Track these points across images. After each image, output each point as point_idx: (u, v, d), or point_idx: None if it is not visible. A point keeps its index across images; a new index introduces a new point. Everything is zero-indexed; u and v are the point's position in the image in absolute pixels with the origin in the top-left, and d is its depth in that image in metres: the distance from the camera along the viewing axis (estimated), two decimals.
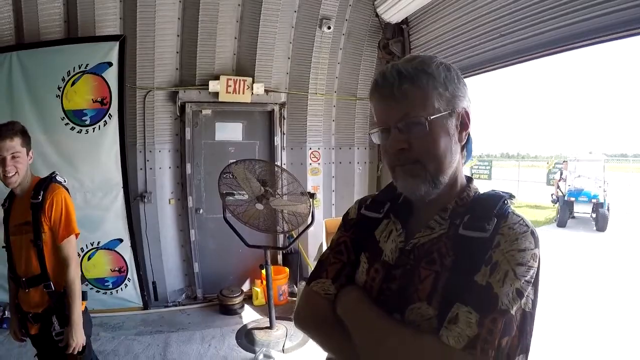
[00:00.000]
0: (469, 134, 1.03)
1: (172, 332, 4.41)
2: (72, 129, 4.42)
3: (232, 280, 5.25)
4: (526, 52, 3.46)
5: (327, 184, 5.68)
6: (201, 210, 5.21)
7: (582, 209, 11.90)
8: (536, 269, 0.91)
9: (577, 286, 6.29)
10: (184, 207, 5.19)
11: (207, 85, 4.94)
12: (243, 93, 4.99)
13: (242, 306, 4.97)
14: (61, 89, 4.36)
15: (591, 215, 11.77)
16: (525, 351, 0.91)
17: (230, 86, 4.95)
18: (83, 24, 4.47)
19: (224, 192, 4.09)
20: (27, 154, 2.28)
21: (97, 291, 4.67)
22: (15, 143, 2.20)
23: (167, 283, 5.17)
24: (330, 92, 5.52)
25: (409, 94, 0.94)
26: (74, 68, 4.35)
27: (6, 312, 4.28)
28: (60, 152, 4.33)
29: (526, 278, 0.88)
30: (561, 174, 13.38)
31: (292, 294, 5.25)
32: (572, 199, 12.02)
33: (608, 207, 11.82)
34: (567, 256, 8.45)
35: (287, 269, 5.26)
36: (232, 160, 4.18)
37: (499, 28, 3.69)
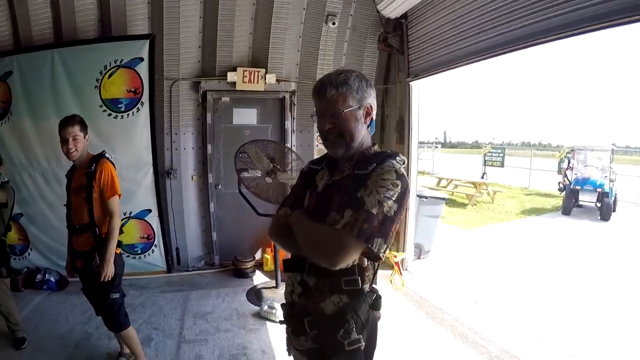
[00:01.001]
0: (372, 118, 1.73)
1: (192, 290, 5.13)
2: (109, 115, 5.11)
3: (246, 249, 5.91)
4: (517, 42, 3.77)
5: None
6: (220, 186, 5.88)
7: (587, 198, 12.07)
8: (399, 193, 1.55)
9: (566, 274, 6.50)
10: (204, 182, 5.86)
11: (226, 75, 5.57)
12: (257, 82, 5.62)
13: (254, 271, 5.69)
14: (99, 81, 5.04)
15: (596, 204, 11.83)
16: (384, 237, 1.53)
17: (246, 76, 5.59)
18: (116, 23, 5.13)
19: (239, 168, 4.77)
20: (84, 137, 3.06)
21: (128, 256, 5.38)
22: (75, 129, 2.98)
23: (188, 250, 5.89)
24: None
25: (334, 96, 1.64)
26: (110, 63, 5.03)
27: (47, 274, 5.12)
28: (99, 135, 4.94)
29: (385, 194, 1.52)
30: (569, 162, 13.55)
31: None
32: (578, 187, 12.21)
33: (615, 197, 11.99)
34: (563, 244, 8.68)
35: None
36: (246, 141, 4.86)
37: (493, 19, 4.06)
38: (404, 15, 5.64)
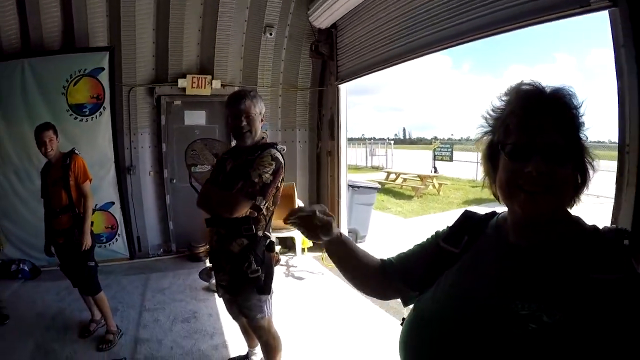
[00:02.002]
0: (263, 120, 2.74)
1: (151, 273, 6.03)
2: (75, 118, 5.94)
3: (199, 236, 6.68)
4: (433, 44, 4.37)
5: None
6: (174, 180, 6.75)
7: None
8: (273, 169, 2.54)
9: None
10: (161, 177, 6.76)
11: (177, 82, 6.44)
12: (204, 87, 6.52)
13: (206, 255, 6.44)
14: (65, 88, 5.86)
15: None
16: (263, 196, 2.51)
17: (194, 82, 6.48)
18: (79, 35, 5.93)
19: (189, 163, 5.62)
20: (57, 139, 3.99)
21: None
22: (50, 133, 3.91)
23: (148, 239, 6.78)
24: (277, 84, 7.10)
25: (248, 105, 2.65)
26: (75, 72, 5.86)
27: (21, 264, 5.86)
28: (66, 136, 5.54)
29: (263, 170, 2.52)
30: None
31: None
32: None
33: None
34: None
35: None
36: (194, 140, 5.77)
37: (410, 27, 4.72)
38: (334, 25, 6.55)
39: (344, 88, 6.67)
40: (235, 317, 3.26)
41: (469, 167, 19.65)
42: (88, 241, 3.92)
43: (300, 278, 5.89)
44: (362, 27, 5.84)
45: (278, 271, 6.09)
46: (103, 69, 5.95)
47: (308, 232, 1.37)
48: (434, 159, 19.42)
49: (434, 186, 14.85)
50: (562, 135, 0.93)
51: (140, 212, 6.71)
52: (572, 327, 0.84)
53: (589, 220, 1.00)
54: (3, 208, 6.07)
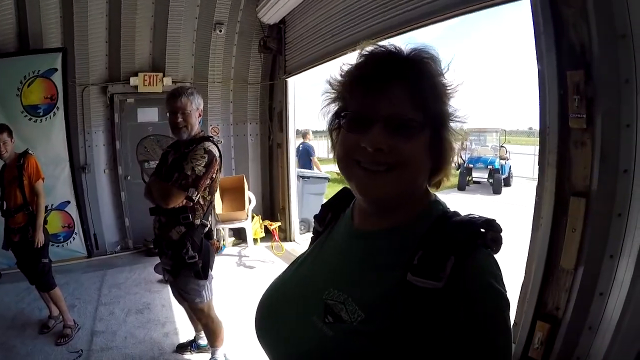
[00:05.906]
0: (200, 115, 3.17)
1: (109, 269, 6.50)
2: (30, 119, 6.34)
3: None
4: (378, 34, 4.36)
5: (226, 152, 7.66)
6: (129, 177, 7.20)
7: (479, 175, 14.51)
8: (206, 162, 2.93)
9: None
10: (115, 175, 7.21)
11: (129, 80, 6.91)
12: (156, 85, 6.99)
13: None
14: (20, 90, 6.25)
15: (488, 180, 14.22)
16: (195, 187, 2.89)
17: (146, 80, 6.95)
18: (33, 38, 6.29)
19: (141, 160, 5.91)
20: (11, 141, 4.40)
21: (52, 244, 6.27)
22: (4, 136, 4.30)
23: (105, 236, 7.21)
24: (228, 80, 7.64)
25: (184, 102, 3.03)
26: (29, 73, 6.26)
27: None
28: (21, 137, 5.86)
29: (196, 163, 2.91)
30: (462, 143, 15.59)
31: None
32: (471, 165, 14.62)
33: (510, 173, 14.27)
34: None
35: None
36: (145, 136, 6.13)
37: (355, 18, 4.95)
38: (282, 21, 7.06)
39: (292, 82, 7.24)
40: (180, 302, 3.65)
41: None
42: (40, 238, 4.32)
43: (251, 267, 6.51)
44: (308, 22, 6.29)
45: (230, 261, 6.76)
46: (56, 69, 6.36)
47: None
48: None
49: None
50: (413, 106, 0.83)
51: (97, 210, 7.12)
52: (367, 335, 0.79)
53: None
54: None
